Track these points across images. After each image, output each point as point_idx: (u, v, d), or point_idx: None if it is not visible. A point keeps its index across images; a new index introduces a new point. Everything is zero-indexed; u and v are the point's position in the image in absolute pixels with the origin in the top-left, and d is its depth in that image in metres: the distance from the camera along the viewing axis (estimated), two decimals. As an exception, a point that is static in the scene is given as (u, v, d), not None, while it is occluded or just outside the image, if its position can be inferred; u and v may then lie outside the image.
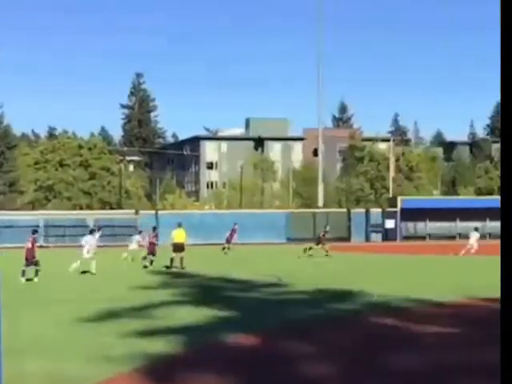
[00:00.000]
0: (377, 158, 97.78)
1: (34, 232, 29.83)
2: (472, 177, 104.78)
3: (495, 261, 38.30)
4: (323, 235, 41.60)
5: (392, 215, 61.13)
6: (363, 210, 65.73)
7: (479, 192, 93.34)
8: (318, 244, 40.63)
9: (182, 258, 33.48)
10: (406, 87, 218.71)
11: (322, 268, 33.76)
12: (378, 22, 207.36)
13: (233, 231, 45.59)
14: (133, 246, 40.20)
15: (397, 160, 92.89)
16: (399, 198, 65.12)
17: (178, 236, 34.31)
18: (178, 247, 33.88)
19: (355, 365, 12.58)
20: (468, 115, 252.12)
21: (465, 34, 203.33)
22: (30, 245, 27.98)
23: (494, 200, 72.76)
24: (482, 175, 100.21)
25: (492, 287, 23.99)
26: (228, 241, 45.12)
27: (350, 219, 61.60)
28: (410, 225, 62.83)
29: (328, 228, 44.01)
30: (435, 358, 12.88)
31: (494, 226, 66.98)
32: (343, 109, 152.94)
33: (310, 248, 39.63)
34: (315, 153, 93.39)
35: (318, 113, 71.66)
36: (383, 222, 61.61)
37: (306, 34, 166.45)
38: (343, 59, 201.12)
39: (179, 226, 35.23)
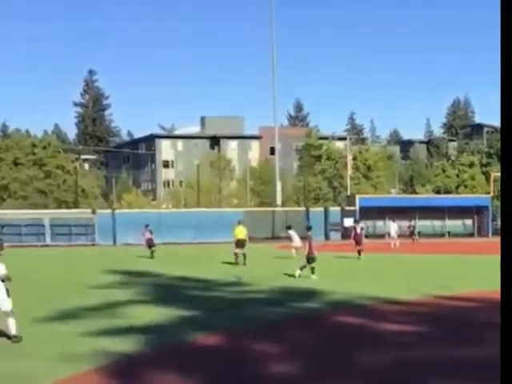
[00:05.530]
0: (334, 156, 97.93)
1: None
2: (429, 175, 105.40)
3: (454, 259, 38.84)
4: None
5: (350, 214, 61.07)
6: (322, 209, 65.86)
7: (437, 190, 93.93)
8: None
9: (244, 255, 34.59)
10: (362, 85, 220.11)
11: (281, 267, 33.66)
12: (333, 21, 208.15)
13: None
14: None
15: (354, 158, 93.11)
16: (357, 197, 65.48)
17: (240, 233, 35.46)
18: (241, 243, 35.07)
19: (323, 363, 12.46)
20: (424, 114, 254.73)
21: (419, 31, 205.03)
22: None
23: (453, 199, 73.66)
24: (439, 174, 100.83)
25: (445, 285, 24.45)
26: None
27: (308, 218, 61.52)
28: (369, 223, 62.92)
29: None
30: (400, 356, 12.86)
31: (453, 224, 67.47)
32: (299, 107, 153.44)
33: None
34: (272, 151, 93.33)
35: (273, 111, 71.42)
36: (342, 221, 61.71)
37: (260, 31, 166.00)
38: (299, 58, 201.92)
39: (239, 223, 36.61)
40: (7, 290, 14.47)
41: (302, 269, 27.67)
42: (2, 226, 47.33)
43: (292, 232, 39.91)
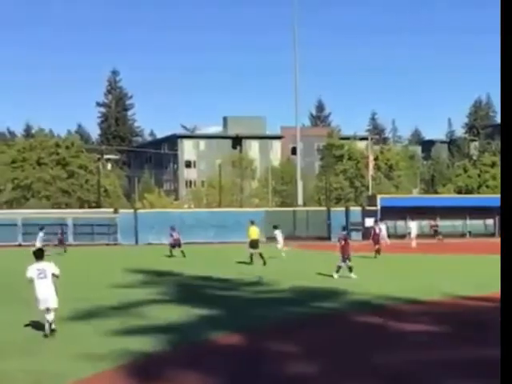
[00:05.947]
0: (355, 156, 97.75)
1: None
2: (451, 175, 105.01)
3: (474, 259, 38.70)
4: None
5: (372, 213, 60.72)
6: (343, 209, 65.72)
7: (458, 191, 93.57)
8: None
9: (261, 254, 34.69)
10: (383, 86, 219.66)
11: (303, 267, 33.71)
12: (355, 24, 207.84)
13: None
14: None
15: (375, 159, 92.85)
16: (379, 197, 65.25)
17: (253, 233, 35.78)
18: (254, 244, 35.42)
19: (341, 364, 12.52)
20: (446, 114, 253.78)
21: (441, 34, 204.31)
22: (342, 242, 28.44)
23: (474, 199, 73.32)
24: (460, 174, 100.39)
25: (465, 286, 24.40)
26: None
27: (329, 217, 61.49)
28: (390, 223, 62.57)
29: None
30: (419, 356, 12.89)
31: (474, 224, 67.17)
32: (320, 107, 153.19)
33: None
34: (293, 151, 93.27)
35: (295, 111, 71.47)
36: (363, 221, 61.47)
37: (283, 32, 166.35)
38: (321, 59, 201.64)
39: (252, 223, 36.72)
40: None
41: (350, 269, 27.73)
42: (61, 225, 48.65)
43: (277, 232, 40.23)
